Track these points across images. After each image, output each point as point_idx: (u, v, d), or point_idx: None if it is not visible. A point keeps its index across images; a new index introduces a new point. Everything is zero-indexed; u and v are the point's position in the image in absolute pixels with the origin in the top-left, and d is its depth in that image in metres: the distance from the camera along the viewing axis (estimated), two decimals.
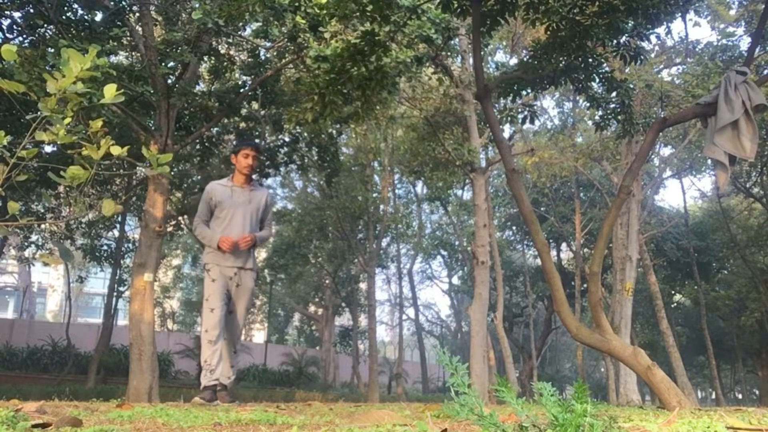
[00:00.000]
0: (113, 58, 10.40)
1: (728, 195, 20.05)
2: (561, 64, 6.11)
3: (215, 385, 4.10)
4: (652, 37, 6.49)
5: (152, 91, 7.84)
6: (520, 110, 9.00)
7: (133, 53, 10.67)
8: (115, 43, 8.44)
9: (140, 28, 8.46)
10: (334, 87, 6.96)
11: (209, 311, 4.11)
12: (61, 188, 11.13)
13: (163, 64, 8.22)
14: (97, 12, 8.01)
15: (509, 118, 9.73)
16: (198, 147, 10.75)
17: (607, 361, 16.86)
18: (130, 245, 17.64)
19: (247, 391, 15.49)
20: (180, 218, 14.02)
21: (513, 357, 17.45)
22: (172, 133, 8.42)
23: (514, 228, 22.91)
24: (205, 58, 9.25)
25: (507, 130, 16.12)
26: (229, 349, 4.26)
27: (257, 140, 11.74)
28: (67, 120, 2.00)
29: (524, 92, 6.84)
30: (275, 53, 9.34)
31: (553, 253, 22.03)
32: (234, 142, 12.93)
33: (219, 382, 4.08)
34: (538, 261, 16.20)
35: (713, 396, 26.45)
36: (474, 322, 10.70)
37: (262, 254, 26.76)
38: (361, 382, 21.20)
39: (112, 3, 8.10)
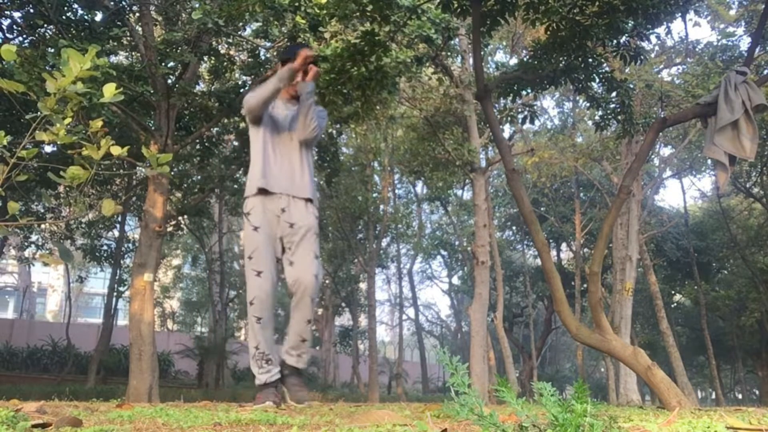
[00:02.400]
0: (113, 58, 10.41)
1: (728, 195, 20.05)
2: (561, 64, 6.11)
3: (277, 382, 2.96)
4: (652, 37, 6.50)
5: (152, 91, 7.85)
6: (520, 110, 9.02)
7: (133, 53, 10.68)
8: (115, 43, 8.45)
9: (140, 28, 8.47)
10: (334, 87, 6.97)
11: (253, 275, 2.93)
12: (61, 188, 11.13)
13: (163, 64, 8.22)
14: (97, 12, 8.01)
15: (509, 118, 9.75)
16: (198, 147, 10.76)
17: (607, 361, 16.86)
18: (130, 245, 17.64)
19: (247, 391, 15.49)
20: (180, 218, 14.02)
21: (513, 357, 17.45)
22: (172, 133, 8.42)
23: (514, 228, 22.90)
24: (205, 58, 9.25)
25: (507, 130, 16.14)
26: (296, 320, 3.02)
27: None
28: (67, 120, 2.00)
29: (524, 92, 6.84)
30: (275, 53, 9.34)
31: (553, 253, 22.03)
32: (234, 142, 12.92)
33: (281, 370, 2.98)
34: (538, 261, 16.20)
35: (713, 396, 26.45)
36: (474, 322, 10.70)
37: None
38: (361, 382, 21.21)
39: (112, 3, 8.11)
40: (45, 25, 7.53)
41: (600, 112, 7.28)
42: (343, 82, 6.99)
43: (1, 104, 8.00)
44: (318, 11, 7.44)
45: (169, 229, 12.29)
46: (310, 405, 2.76)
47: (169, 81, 8.46)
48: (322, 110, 3.36)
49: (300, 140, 3.15)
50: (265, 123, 3.15)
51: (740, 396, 27.51)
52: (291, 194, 3.05)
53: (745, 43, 12.62)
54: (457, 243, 24.29)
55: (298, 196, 3.05)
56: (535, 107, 9.36)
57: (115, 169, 9.13)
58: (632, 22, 5.88)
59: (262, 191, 3.03)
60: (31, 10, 7.42)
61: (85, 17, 7.84)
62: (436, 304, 68.41)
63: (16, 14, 7.61)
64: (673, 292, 23.22)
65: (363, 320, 23.68)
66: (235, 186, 13.16)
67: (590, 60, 6.15)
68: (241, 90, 9.52)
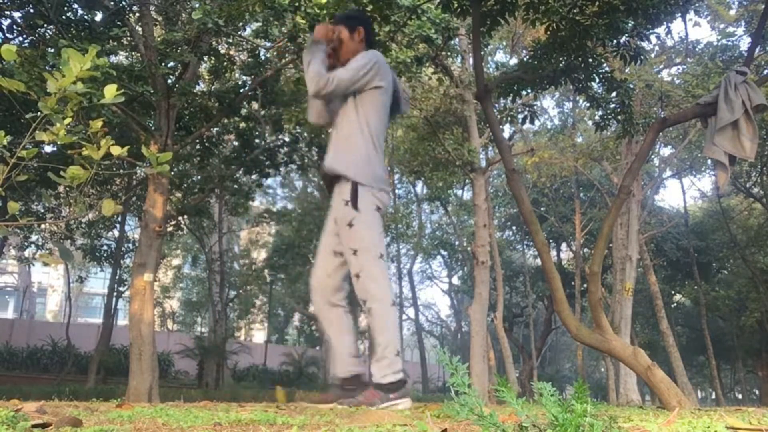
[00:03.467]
0: (113, 58, 10.41)
1: (728, 195, 20.06)
2: (561, 64, 6.11)
3: (351, 379, 2.78)
4: (652, 37, 6.50)
5: (152, 91, 7.84)
6: (520, 110, 9.02)
7: (133, 53, 10.68)
8: (115, 43, 8.45)
9: (140, 28, 8.47)
10: None
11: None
12: (61, 188, 11.13)
13: (163, 64, 8.22)
14: (97, 12, 8.01)
15: (509, 118, 9.75)
16: (198, 147, 10.75)
17: (607, 361, 16.86)
18: (130, 245, 17.64)
19: (247, 391, 15.50)
20: (180, 218, 14.02)
21: (513, 357, 17.46)
22: (172, 133, 8.42)
23: (514, 228, 22.92)
24: (205, 58, 9.25)
25: (507, 130, 16.15)
26: (348, 328, 2.88)
27: (259, 140, 11.64)
28: (67, 120, 2.00)
29: (524, 92, 6.84)
30: (275, 53, 9.33)
31: (553, 253, 22.05)
32: (234, 142, 12.91)
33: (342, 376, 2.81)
34: (538, 261, 16.20)
35: (713, 396, 26.46)
36: (474, 322, 10.70)
37: (261, 253, 26.70)
38: None
39: (112, 3, 8.11)
40: (45, 25, 7.53)
41: (600, 112, 7.28)
42: None
43: (1, 104, 7.99)
44: (318, 11, 7.44)
45: (169, 229, 12.30)
46: (343, 404, 2.56)
47: (169, 81, 8.46)
48: (360, 57, 2.92)
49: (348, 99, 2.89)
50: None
51: (740, 396, 27.52)
52: (335, 176, 2.81)
53: (745, 43, 12.64)
54: (457, 243, 24.30)
55: (336, 175, 2.80)
56: (535, 107, 9.36)
57: (115, 169, 9.11)
58: (632, 22, 5.88)
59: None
60: (31, 10, 7.42)
61: (85, 17, 7.84)
62: (436, 304, 68.54)
63: (16, 14, 7.61)
64: (673, 292, 23.23)
65: (363, 320, 23.67)
66: (235, 186, 13.16)
67: (590, 60, 6.14)
68: (241, 90, 9.53)
